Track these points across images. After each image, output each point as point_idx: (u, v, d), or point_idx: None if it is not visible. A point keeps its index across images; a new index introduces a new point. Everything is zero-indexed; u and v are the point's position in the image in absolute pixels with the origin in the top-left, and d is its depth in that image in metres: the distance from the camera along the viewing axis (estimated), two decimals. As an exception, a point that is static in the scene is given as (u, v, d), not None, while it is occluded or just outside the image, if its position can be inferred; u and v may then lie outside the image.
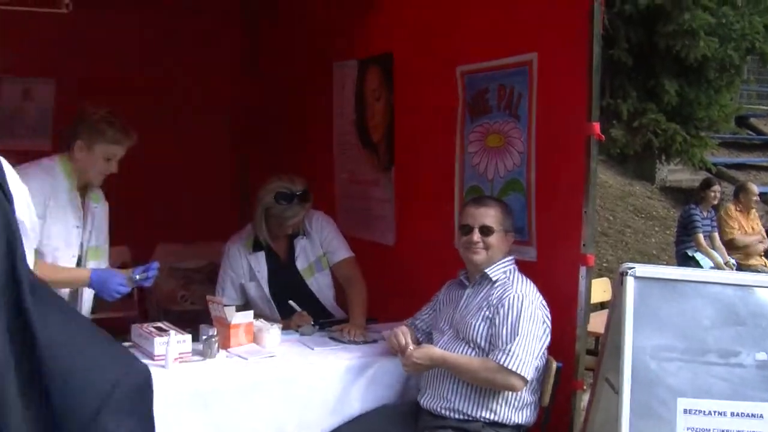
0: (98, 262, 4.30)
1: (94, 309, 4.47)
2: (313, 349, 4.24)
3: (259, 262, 4.76)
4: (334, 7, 6.10)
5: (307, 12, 6.49)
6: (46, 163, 4.14)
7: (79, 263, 4.22)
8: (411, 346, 3.90)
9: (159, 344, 3.89)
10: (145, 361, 3.86)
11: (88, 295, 4.28)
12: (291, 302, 4.61)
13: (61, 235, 4.11)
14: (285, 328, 4.41)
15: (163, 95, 7.07)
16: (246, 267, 4.77)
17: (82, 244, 4.24)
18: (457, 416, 3.79)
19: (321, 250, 4.84)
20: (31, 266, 3.88)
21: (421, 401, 3.93)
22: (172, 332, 3.98)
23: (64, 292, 4.19)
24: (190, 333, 4.03)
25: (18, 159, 4.18)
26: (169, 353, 3.82)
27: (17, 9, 5.28)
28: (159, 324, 4.16)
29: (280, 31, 7.02)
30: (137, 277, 4.10)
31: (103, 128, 4.07)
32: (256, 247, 4.77)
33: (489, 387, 3.75)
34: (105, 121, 4.09)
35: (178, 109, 7.18)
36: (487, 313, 3.81)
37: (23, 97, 7.24)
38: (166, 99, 7.10)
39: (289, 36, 6.85)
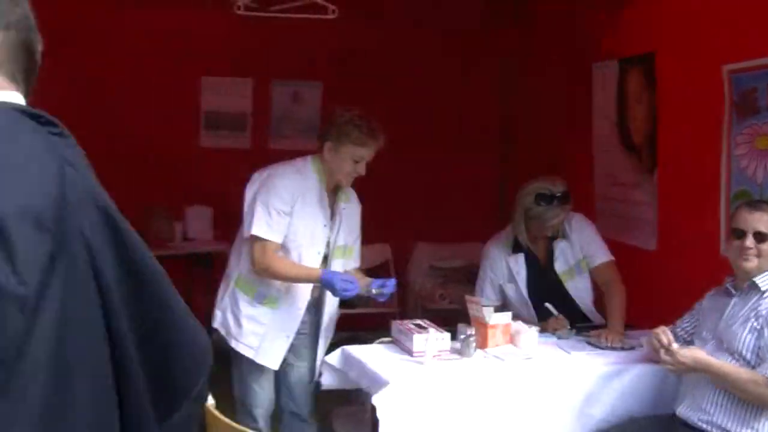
0: (345, 261, 4.44)
1: (355, 304, 4.63)
2: (569, 353, 4.23)
3: (518, 264, 4.77)
4: (593, 8, 6.02)
5: (565, 13, 6.45)
6: (299, 163, 4.35)
7: (325, 261, 4.38)
8: (675, 345, 3.79)
9: (418, 341, 3.99)
10: (404, 356, 4.00)
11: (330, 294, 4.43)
12: (548, 305, 4.60)
13: (308, 232, 4.30)
14: (542, 330, 4.41)
15: (423, 98, 7.25)
16: (505, 268, 4.79)
17: (329, 243, 4.39)
18: (714, 431, 3.65)
19: (580, 253, 4.79)
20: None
21: (678, 410, 3.81)
22: (432, 330, 4.08)
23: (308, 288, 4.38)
24: (448, 332, 4.11)
25: (286, 158, 4.46)
26: (428, 350, 3.92)
27: (287, 17, 5.56)
28: (418, 321, 4.28)
29: (539, 33, 7.02)
30: (374, 291, 4.21)
31: (349, 130, 4.19)
32: (516, 248, 4.78)
33: (754, 402, 3.58)
34: (352, 123, 4.20)
35: (438, 112, 7.34)
36: (755, 324, 3.65)
37: (293, 99, 7.64)
38: (427, 102, 7.28)
39: (548, 38, 6.83)
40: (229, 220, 4.78)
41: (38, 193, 1.15)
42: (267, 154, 5.76)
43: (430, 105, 7.29)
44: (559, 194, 4.58)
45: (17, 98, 1.39)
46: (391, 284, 4.26)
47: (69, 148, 1.30)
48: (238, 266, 4.40)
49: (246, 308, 4.35)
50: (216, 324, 4.46)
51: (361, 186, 4.48)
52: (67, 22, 6.29)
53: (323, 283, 4.21)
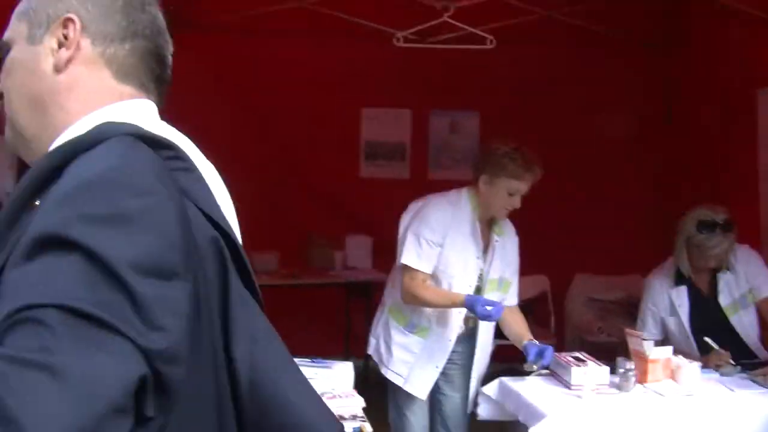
0: (500, 294, 4.41)
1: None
2: (733, 390, 4.10)
3: (681, 297, 4.66)
4: (756, 33, 5.86)
5: (729, 38, 6.29)
6: (454, 195, 4.38)
7: (479, 293, 4.36)
8: None
9: (577, 374, 3.96)
10: (562, 389, 3.97)
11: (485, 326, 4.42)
12: (707, 339, 4.47)
13: (459, 264, 4.31)
14: (704, 366, 4.29)
15: (581, 126, 7.17)
16: (667, 301, 4.68)
17: (481, 276, 4.38)
18: None
19: (746, 285, 4.65)
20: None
21: None
22: (590, 363, 4.04)
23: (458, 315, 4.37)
24: (607, 365, 4.06)
25: (444, 188, 4.51)
26: (586, 383, 3.88)
27: (446, 47, 5.63)
28: (577, 354, 4.24)
29: (702, 57, 6.86)
30: (534, 366, 4.15)
31: (505, 163, 4.17)
32: (679, 280, 4.67)
33: None
34: (508, 156, 4.18)
35: (595, 141, 7.24)
36: None
37: (450, 129, 7.70)
38: (584, 131, 7.19)
39: (711, 63, 6.67)
40: (388, 249, 4.85)
41: (160, 238, 1.06)
42: (426, 184, 5.83)
43: (589, 133, 7.19)
44: (721, 221, 4.46)
45: (148, 106, 1.34)
46: (549, 355, 4.15)
47: (185, 174, 1.22)
48: (392, 295, 4.47)
49: (398, 336, 4.41)
50: (370, 351, 4.56)
51: (518, 216, 4.46)
52: (233, 54, 6.55)
53: (467, 307, 4.20)
